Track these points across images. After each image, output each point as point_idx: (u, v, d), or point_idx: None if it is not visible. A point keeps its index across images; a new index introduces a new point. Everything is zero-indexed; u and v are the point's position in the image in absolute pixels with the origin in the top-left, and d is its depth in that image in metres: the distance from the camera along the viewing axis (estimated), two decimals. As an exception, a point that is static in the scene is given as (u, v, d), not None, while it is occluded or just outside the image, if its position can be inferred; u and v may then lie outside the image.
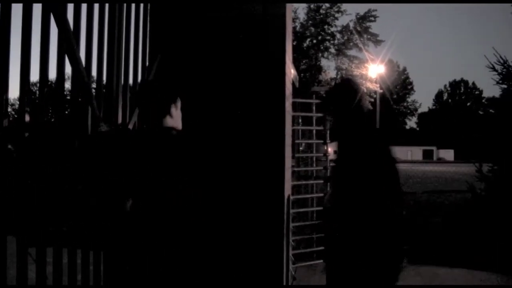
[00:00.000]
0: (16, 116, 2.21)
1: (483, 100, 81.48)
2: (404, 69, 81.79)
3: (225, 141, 3.68)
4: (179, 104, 2.37)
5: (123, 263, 2.47)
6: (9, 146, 2.21)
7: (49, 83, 2.25)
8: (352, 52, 27.01)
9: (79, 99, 2.55)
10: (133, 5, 3.27)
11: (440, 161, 64.44)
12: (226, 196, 3.59)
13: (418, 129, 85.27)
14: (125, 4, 3.10)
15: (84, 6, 2.59)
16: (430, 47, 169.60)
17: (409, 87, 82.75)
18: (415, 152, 69.93)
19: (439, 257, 6.33)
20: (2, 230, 1.81)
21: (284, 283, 3.82)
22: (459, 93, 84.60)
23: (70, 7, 2.47)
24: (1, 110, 1.84)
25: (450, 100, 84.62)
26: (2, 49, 1.95)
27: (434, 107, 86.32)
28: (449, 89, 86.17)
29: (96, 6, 2.74)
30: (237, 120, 3.74)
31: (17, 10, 2.06)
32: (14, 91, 2.20)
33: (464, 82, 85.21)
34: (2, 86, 1.84)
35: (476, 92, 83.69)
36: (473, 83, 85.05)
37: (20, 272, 1.99)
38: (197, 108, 3.65)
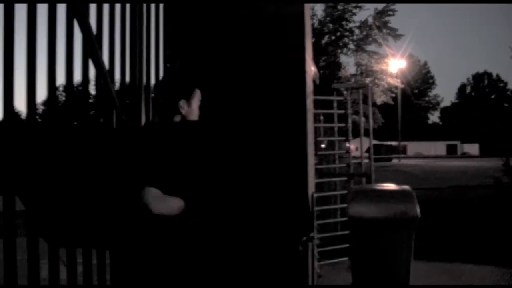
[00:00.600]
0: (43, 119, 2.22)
1: (508, 93, 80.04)
2: (425, 63, 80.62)
3: (248, 140, 3.68)
4: (194, 101, 2.33)
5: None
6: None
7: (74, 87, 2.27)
8: (372, 48, 26.75)
9: (103, 102, 2.57)
10: (153, 5, 3.29)
11: (465, 155, 63.32)
12: (250, 194, 3.58)
13: (441, 123, 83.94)
14: (145, 5, 3.13)
15: (106, 7, 2.61)
16: (452, 40, 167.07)
17: (430, 81, 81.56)
18: (439, 147, 68.89)
19: (465, 253, 6.24)
20: (34, 232, 1.84)
21: (310, 282, 3.80)
22: (482, 86, 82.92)
23: (93, 8, 2.48)
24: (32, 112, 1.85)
25: (473, 93, 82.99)
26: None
27: (457, 101, 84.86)
28: (472, 82, 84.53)
29: (118, 6, 2.76)
30: (260, 119, 3.73)
31: (42, 12, 2.07)
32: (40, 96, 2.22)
33: (487, 74, 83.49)
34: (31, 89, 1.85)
35: (501, 85, 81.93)
36: (497, 75, 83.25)
37: (52, 273, 2.01)
38: (219, 108, 3.65)
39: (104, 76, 2.54)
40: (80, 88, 2.38)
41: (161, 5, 3.52)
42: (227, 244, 2.24)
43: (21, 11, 1.83)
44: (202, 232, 2.14)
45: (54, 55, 2.02)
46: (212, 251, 2.17)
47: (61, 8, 2.15)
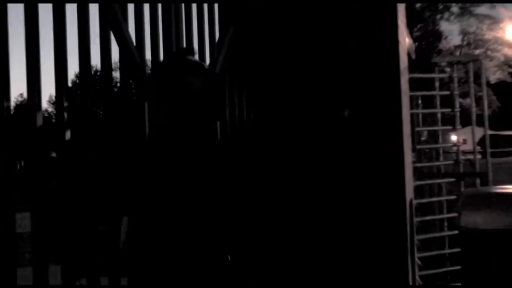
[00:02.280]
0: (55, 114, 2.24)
1: None
2: (554, 28, 77.30)
3: (325, 132, 3.62)
4: None
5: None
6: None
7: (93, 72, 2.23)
8: (482, 10, 25.92)
9: (131, 89, 2.54)
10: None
11: None
12: (328, 203, 3.55)
13: None
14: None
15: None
16: None
17: (561, 50, 78.17)
18: None
19: None
20: (43, 258, 1.83)
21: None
22: None
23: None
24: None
25: None
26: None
27: None
28: None
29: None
30: (340, 105, 3.69)
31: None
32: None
33: None
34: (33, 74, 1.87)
35: None
36: None
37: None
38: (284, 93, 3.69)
39: (131, 53, 2.48)
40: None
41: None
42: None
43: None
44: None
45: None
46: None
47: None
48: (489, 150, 6.73)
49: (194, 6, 3.37)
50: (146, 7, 2.77)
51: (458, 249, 4.78)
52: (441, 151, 6.47)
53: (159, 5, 2.89)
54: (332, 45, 3.71)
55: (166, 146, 1.92)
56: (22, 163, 2.66)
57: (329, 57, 3.70)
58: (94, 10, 2.38)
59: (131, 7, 2.63)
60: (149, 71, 2.96)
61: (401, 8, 3.95)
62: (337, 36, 3.70)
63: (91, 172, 2.34)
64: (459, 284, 5.10)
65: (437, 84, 6.16)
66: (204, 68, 1.96)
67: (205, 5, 3.52)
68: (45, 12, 2.29)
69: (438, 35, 26.46)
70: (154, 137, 2.30)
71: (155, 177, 1.86)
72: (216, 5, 3.67)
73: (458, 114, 6.21)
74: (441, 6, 25.94)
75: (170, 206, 1.83)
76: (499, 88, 29.21)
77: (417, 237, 4.83)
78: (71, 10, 2.27)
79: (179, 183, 1.84)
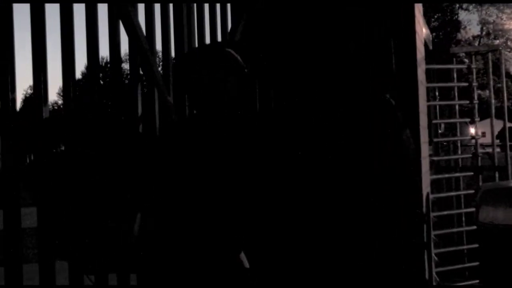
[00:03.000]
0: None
1: None
2: None
3: (339, 126, 3.57)
4: None
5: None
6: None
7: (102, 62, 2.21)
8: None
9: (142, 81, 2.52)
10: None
11: None
12: (343, 197, 3.50)
13: None
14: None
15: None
16: None
17: None
18: None
19: None
20: (50, 254, 1.81)
21: (427, 315, 3.67)
22: None
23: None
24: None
25: None
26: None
27: None
28: None
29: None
30: (353, 95, 3.62)
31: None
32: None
33: None
34: (39, 67, 1.86)
35: None
36: None
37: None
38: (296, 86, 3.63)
39: (140, 41, 2.46)
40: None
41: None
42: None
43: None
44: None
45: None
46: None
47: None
48: (508, 143, 6.64)
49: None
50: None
51: (476, 245, 4.73)
52: (459, 144, 6.43)
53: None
54: (347, 35, 3.67)
55: (189, 139, 1.88)
56: (32, 157, 2.66)
57: (345, 47, 3.67)
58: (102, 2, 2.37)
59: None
60: (160, 62, 2.96)
61: (418, -2, 3.94)
62: (352, 26, 3.67)
63: (100, 167, 2.33)
64: (478, 281, 5.06)
65: (455, 75, 6.06)
66: (239, 64, 1.88)
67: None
68: (52, 2, 2.27)
69: (457, 25, 26.28)
70: (177, 129, 2.27)
71: (172, 172, 1.82)
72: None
73: (476, 106, 6.11)
74: (459, -5, 25.82)
75: (188, 203, 1.80)
76: (519, 79, 28.96)
77: (434, 233, 4.80)
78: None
79: (197, 178, 1.80)
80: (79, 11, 2.23)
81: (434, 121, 6.00)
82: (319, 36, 3.68)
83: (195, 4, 3.13)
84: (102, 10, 2.30)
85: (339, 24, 3.65)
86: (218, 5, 3.47)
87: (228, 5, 3.64)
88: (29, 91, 36.50)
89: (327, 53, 3.66)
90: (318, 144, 3.60)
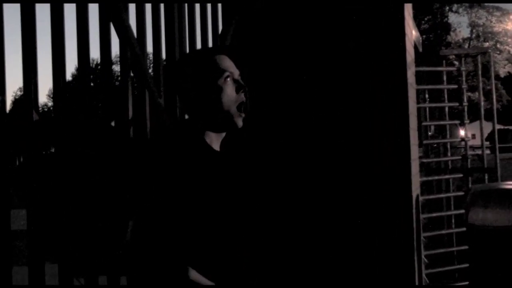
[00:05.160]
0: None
1: None
2: None
3: (328, 129, 3.60)
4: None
5: None
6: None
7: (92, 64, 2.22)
8: (491, 3, 25.88)
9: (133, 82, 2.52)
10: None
11: None
12: (332, 200, 3.54)
13: None
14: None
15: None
16: None
17: None
18: None
19: None
20: (39, 256, 1.81)
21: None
22: None
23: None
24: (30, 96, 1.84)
25: None
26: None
27: None
28: None
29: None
30: (344, 97, 3.64)
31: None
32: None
33: None
34: (29, 68, 1.86)
35: None
36: None
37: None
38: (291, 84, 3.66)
39: (131, 43, 2.47)
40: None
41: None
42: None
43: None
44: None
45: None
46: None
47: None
48: (497, 145, 6.69)
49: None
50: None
51: (466, 247, 4.76)
52: (448, 146, 6.45)
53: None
54: (336, 40, 3.68)
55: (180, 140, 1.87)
56: (21, 159, 2.65)
57: (333, 52, 3.67)
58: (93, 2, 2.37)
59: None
60: (151, 64, 2.96)
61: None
62: (339, 32, 3.67)
63: (90, 168, 2.33)
64: (467, 283, 5.08)
65: (444, 77, 6.08)
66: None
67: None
68: (43, 3, 2.27)
69: (447, 27, 26.41)
70: (170, 131, 2.27)
71: (165, 172, 1.81)
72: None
73: (466, 108, 6.14)
74: (449, -2, 25.96)
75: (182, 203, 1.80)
76: (508, 81, 29.07)
77: (424, 235, 4.81)
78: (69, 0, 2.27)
79: (192, 179, 1.80)
80: (69, 14, 2.24)
81: (424, 123, 6.03)
82: (318, 35, 3.69)
83: (186, 4, 3.15)
84: (93, 11, 2.30)
85: (338, 22, 3.67)
86: (209, 6, 3.47)
87: (219, 5, 3.64)
88: (19, 93, 36.36)
89: (327, 51, 3.67)
90: (317, 144, 3.60)
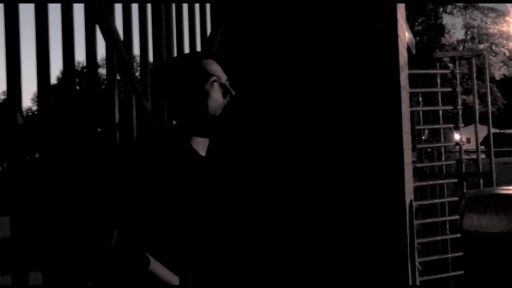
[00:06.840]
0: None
1: None
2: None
3: (322, 132, 3.63)
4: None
5: None
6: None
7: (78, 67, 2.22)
8: (486, 4, 26.02)
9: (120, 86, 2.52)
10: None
11: None
12: (325, 205, 3.57)
13: None
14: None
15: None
16: None
17: None
18: None
19: None
20: (23, 265, 1.80)
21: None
22: None
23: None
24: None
25: None
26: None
27: None
28: None
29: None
30: (336, 101, 3.67)
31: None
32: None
33: None
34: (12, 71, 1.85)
35: None
36: None
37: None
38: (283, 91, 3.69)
39: (118, 45, 2.47)
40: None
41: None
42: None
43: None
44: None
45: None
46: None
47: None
48: (493, 149, 6.70)
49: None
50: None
51: (461, 253, 4.77)
52: (443, 151, 6.41)
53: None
54: (330, 41, 3.69)
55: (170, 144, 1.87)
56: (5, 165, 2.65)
57: (326, 55, 3.68)
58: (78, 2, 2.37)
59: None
60: (138, 67, 2.96)
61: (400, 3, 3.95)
62: (336, 32, 3.68)
63: (76, 173, 2.32)
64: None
65: (438, 80, 6.07)
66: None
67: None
68: (27, 4, 2.27)
69: (441, 29, 26.51)
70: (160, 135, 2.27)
71: (153, 177, 1.81)
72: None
73: (460, 111, 6.16)
74: (443, -1, 26.08)
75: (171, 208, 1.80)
76: (504, 84, 29.16)
77: (417, 241, 4.82)
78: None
79: (183, 183, 1.80)
80: (54, 16, 2.24)
81: (417, 127, 6.04)
82: (317, 34, 3.69)
83: (173, 5, 3.15)
84: (78, 13, 2.30)
85: (337, 22, 3.68)
86: (197, 7, 3.47)
87: (207, 6, 3.65)
88: (2, 97, 36.16)
89: (325, 51, 3.68)
90: (316, 144, 3.61)
